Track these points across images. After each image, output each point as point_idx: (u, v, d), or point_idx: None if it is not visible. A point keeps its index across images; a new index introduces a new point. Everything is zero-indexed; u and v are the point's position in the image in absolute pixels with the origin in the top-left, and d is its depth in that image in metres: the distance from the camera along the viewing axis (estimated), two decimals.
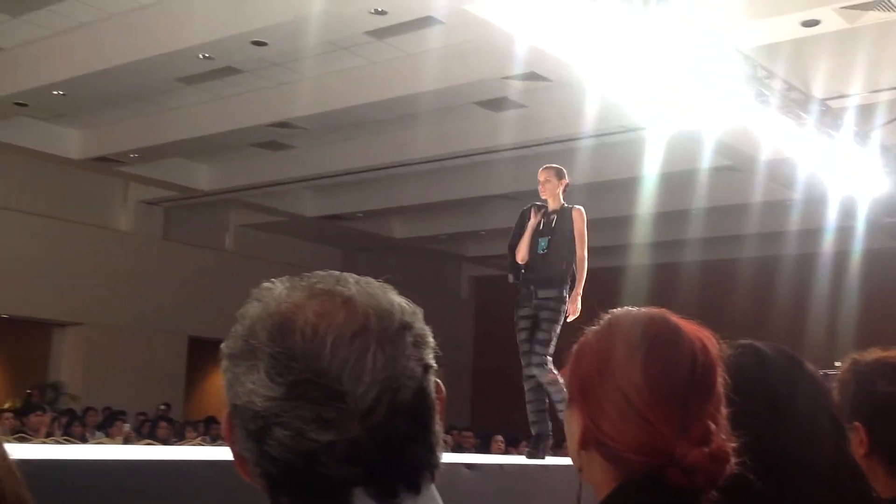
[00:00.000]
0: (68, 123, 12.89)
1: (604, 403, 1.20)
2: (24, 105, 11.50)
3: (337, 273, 0.96)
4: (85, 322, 14.84)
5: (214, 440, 11.69)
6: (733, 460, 1.18)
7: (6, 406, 12.47)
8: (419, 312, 0.95)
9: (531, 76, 10.14)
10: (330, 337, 0.88)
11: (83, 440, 10.51)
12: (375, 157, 13.04)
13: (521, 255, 5.99)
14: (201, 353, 16.61)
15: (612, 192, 13.69)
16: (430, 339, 0.95)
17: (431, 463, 0.91)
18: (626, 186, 13.24)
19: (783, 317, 14.56)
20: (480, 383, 20.35)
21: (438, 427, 0.93)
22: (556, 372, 5.69)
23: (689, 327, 1.26)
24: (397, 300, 0.94)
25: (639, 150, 11.55)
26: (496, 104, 11.37)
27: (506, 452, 11.56)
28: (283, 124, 11.60)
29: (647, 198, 13.23)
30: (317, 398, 0.86)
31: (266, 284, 0.97)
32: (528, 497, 3.75)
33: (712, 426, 1.18)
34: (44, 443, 8.72)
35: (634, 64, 8.57)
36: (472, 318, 21.30)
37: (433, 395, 0.93)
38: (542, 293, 5.83)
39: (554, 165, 6.23)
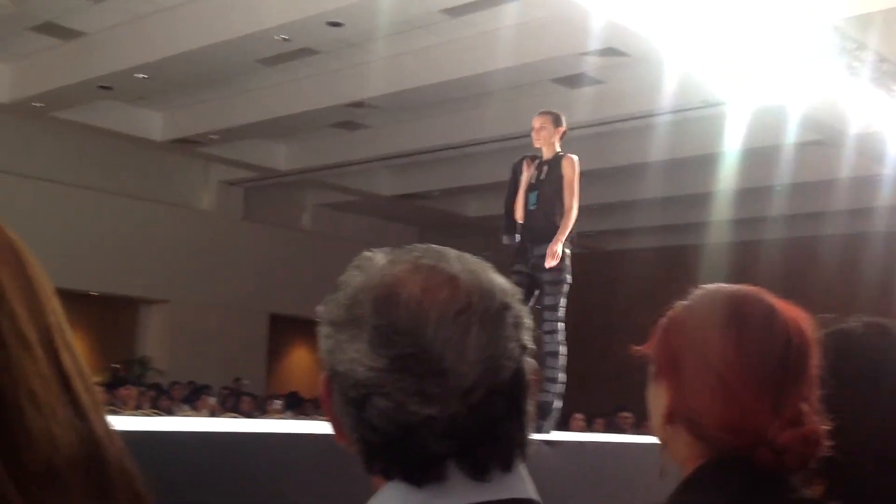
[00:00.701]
0: (151, 106, 13.16)
1: (694, 380, 1.19)
2: (109, 88, 11.74)
3: (438, 248, 0.97)
4: (170, 299, 15.21)
5: (297, 416, 11.89)
6: (825, 443, 1.16)
7: (96, 380, 12.85)
8: (518, 293, 0.96)
9: (608, 52, 10.00)
10: (434, 313, 0.88)
11: (170, 413, 10.80)
12: (451, 136, 13.04)
13: (519, 213, 5.65)
14: (281, 330, 16.93)
15: (690, 169, 13.50)
16: (528, 321, 0.95)
17: (523, 442, 0.93)
18: (705, 163, 13.02)
19: (870, 296, 14.15)
20: (570, 363, 20.27)
21: (531, 407, 0.94)
22: (565, 343, 5.44)
23: (784, 307, 1.24)
24: (497, 280, 0.95)
25: (719, 126, 11.34)
26: (572, 81, 11.27)
27: (586, 430, 11.52)
28: (358, 104, 11.66)
29: (727, 174, 12.99)
30: (419, 373, 0.87)
31: (367, 254, 0.98)
32: (608, 474, 3.74)
33: (805, 407, 1.16)
34: (133, 415, 8.97)
35: (716, 37, 8.41)
36: None
37: (528, 375, 0.94)
38: (537, 250, 5.44)
39: (551, 111, 5.75)
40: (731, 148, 11.84)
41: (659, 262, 18.48)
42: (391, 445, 0.89)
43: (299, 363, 17.83)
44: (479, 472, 0.89)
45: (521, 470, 0.93)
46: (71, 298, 14.57)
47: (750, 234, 16.68)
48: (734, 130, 11.15)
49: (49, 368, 0.65)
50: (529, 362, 0.94)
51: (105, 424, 0.67)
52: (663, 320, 1.29)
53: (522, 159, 5.78)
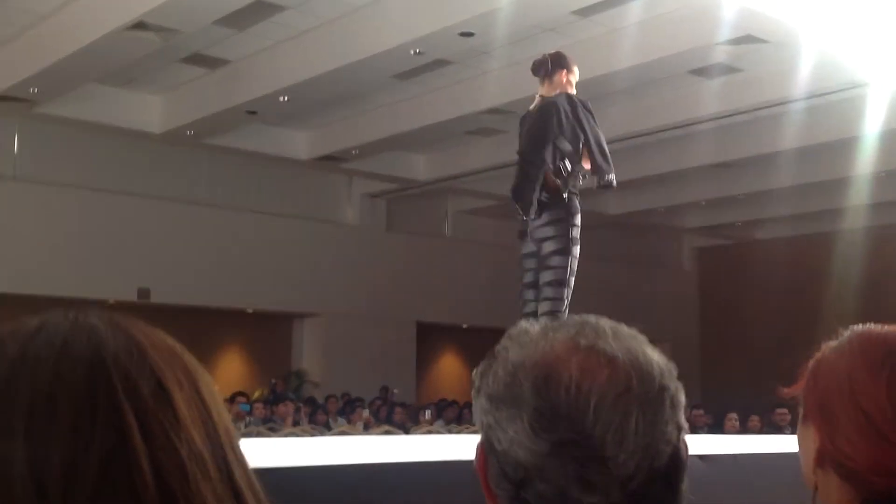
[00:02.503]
0: (295, 126, 13.63)
1: (843, 422, 1.17)
2: (254, 112, 12.24)
3: (594, 322, 0.96)
4: (322, 312, 15.63)
5: (447, 423, 12.06)
6: None
7: (255, 395, 13.36)
8: (674, 370, 0.95)
9: (745, 39, 9.82)
10: (594, 397, 0.88)
11: (327, 426, 11.12)
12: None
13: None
14: (428, 337, 17.16)
15: (826, 155, 13.11)
16: (683, 398, 0.94)
17: None
18: (842, 147, 12.62)
19: None
20: (709, 357, 19.90)
21: (685, 485, 0.93)
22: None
23: None
24: (655, 358, 0.94)
25: (858, 109, 10.99)
26: (707, 71, 11.10)
27: (741, 430, 11.24)
28: (494, 110, 11.78)
29: (865, 158, 12.55)
30: (581, 459, 0.87)
31: (523, 326, 0.98)
32: (763, 488, 3.64)
33: None
34: (292, 432, 9.29)
35: (855, 15, 8.16)
36: (697, 290, 20.84)
37: (685, 456, 0.93)
38: (533, 223, 4.87)
39: (551, 52, 5.11)
40: (871, 130, 11.44)
41: (799, 249, 17.96)
42: None
43: (447, 369, 18.04)
44: None
45: None
46: (228, 317, 15.21)
47: (889, 218, 16.08)
48: (874, 112, 10.77)
49: (223, 485, 0.67)
50: (685, 441, 0.94)
51: (244, 468, 0.70)
52: (811, 362, 1.27)
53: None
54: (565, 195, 4.81)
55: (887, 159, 12.79)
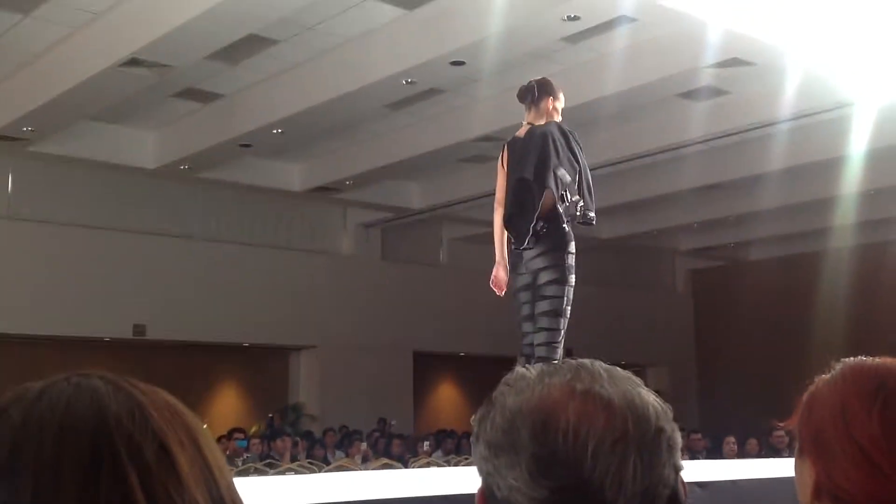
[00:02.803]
0: (288, 158, 13.69)
1: (838, 455, 1.18)
2: (248, 146, 12.30)
3: (589, 365, 0.97)
4: (318, 344, 15.59)
5: (446, 454, 12.01)
6: None
7: (253, 430, 13.30)
8: (669, 412, 0.95)
9: (731, 62, 9.93)
10: (592, 442, 0.88)
11: (325, 461, 11.06)
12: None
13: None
14: (426, 367, 17.11)
15: (814, 174, 13.23)
16: (679, 439, 0.95)
17: None
18: (830, 167, 12.73)
19: None
20: (705, 379, 19.90)
21: None
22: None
23: None
24: (651, 400, 0.94)
25: (844, 128, 11.09)
26: (696, 94, 11.20)
27: (739, 455, 11.22)
28: (486, 137, 11.85)
29: (852, 177, 12.65)
30: None
31: (519, 372, 0.99)
32: None
33: None
34: (290, 469, 9.24)
35: (840, 35, 8.23)
36: (692, 312, 20.86)
37: (682, 497, 0.93)
38: (526, 253, 4.83)
39: (536, 79, 5.05)
40: (857, 149, 11.54)
41: (786, 270, 18.04)
42: None
43: (445, 398, 17.97)
44: None
45: None
46: (224, 351, 15.17)
47: (875, 237, 16.20)
48: (860, 131, 10.86)
49: None
50: (683, 482, 0.94)
51: None
52: (805, 395, 1.28)
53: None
54: (564, 225, 4.77)
55: (874, 177, 12.90)
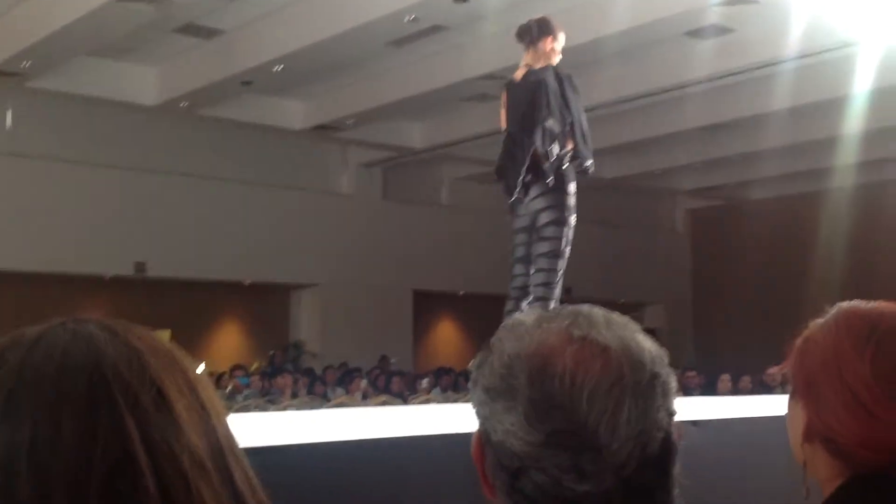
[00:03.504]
0: (289, 96, 13.58)
1: (830, 399, 1.19)
2: (249, 83, 12.20)
3: (586, 311, 0.98)
4: (319, 283, 15.66)
5: (444, 391, 12.11)
6: None
7: (254, 367, 13.40)
8: (665, 357, 0.97)
9: (737, 0, 9.81)
10: (588, 387, 0.90)
11: (325, 397, 11.16)
12: (583, 99, 12.97)
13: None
14: (425, 306, 17.20)
15: (817, 114, 13.18)
16: (674, 384, 0.96)
17: (669, 503, 0.95)
18: (833, 106, 12.66)
19: None
20: (701, 318, 20.02)
21: (677, 469, 0.95)
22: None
23: None
24: (647, 346, 0.96)
25: (848, 68, 11.00)
26: (702, 33, 11.08)
27: (732, 392, 11.32)
28: (489, 76, 11.73)
29: (856, 116, 12.59)
30: (575, 448, 0.89)
31: (518, 317, 1.00)
32: (758, 452, 3.66)
33: None
34: (290, 405, 9.32)
35: None
36: (689, 252, 20.91)
37: (675, 441, 0.95)
38: (529, 193, 4.81)
39: (536, 18, 4.95)
40: (861, 89, 11.47)
41: (791, 208, 18.03)
42: None
43: (444, 337, 18.10)
44: None
45: None
46: (225, 289, 15.23)
47: (876, 177, 16.19)
48: (864, 71, 10.78)
49: (223, 487, 0.68)
50: (676, 425, 0.96)
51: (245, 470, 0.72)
52: (798, 340, 1.29)
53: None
54: (550, 177, 4.74)
55: (877, 117, 12.84)
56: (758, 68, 11.52)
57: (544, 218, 4.76)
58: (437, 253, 16.53)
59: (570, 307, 0.99)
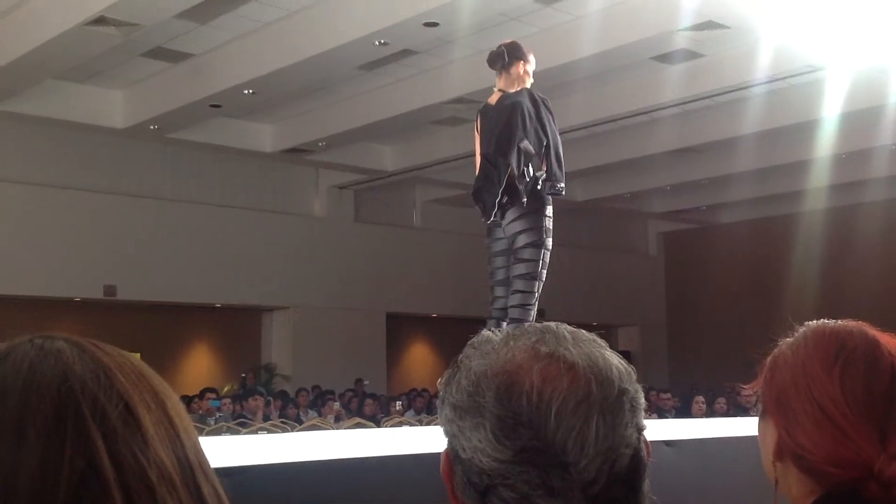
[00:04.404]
0: (259, 119, 13.56)
1: (800, 416, 1.20)
2: (219, 106, 12.16)
3: (554, 328, 0.98)
4: (290, 305, 15.59)
5: (418, 413, 12.08)
6: None
7: (225, 390, 13.30)
8: (633, 373, 0.97)
9: (706, 25, 9.91)
10: (555, 404, 0.90)
11: (298, 420, 11.08)
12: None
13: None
14: (398, 328, 17.18)
15: (787, 138, 13.32)
16: (643, 401, 0.96)
17: None
18: (803, 130, 12.81)
19: None
20: (676, 340, 20.11)
21: (646, 486, 0.95)
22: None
23: (888, 340, 1.25)
24: (614, 362, 0.95)
25: (817, 92, 11.15)
26: (670, 57, 11.19)
27: (707, 414, 11.36)
28: (459, 100, 11.79)
29: (825, 140, 12.76)
30: (543, 465, 0.89)
31: (485, 335, 1.00)
32: (731, 472, 3.67)
33: None
34: (262, 428, 9.23)
35: (814, 0, 8.23)
36: (663, 274, 21.03)
37: (645, 457, 0.95)
38: (505, 216, 4.80)
39: (506, 43, 4.97)
40: (830, 113, 11.63)
41: (764, 231, 18.20)
42: None
43: (417, 359, 18.07)
44: None
45: None
46: (196, 312, 15.14)
47: (848, 199, 16.40)
48: (833, 95, 10.93)
49: (191, 502, 0.68)
50: (646, 442, 0.96)
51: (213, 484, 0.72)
52: (768, 359, 1.30)
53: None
54: (524, 199, 4.74)
55: (846, 142, 13.00)
56: (727, 92, 11.65)
57: (522, 240, 4.76)
58: (409, 275, 16.52)
59: (538, 324, 0.99)
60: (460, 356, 0.99)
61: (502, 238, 4.87)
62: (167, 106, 12.05)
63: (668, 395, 12.56)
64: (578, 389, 0.91)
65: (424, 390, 13.90)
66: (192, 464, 0.70)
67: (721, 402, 11.77)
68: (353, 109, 12.67)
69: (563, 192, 4.91)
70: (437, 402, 1.00)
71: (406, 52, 10.91)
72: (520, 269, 4.75)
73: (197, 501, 0.69)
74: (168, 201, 14.32)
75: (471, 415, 0.93)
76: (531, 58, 4.95)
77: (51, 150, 13.34)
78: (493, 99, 4.94)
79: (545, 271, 4.78)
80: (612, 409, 0.92)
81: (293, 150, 14.21)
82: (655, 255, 21.35)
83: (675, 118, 12.87)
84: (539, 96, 4.90)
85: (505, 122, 4.75)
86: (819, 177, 14.58)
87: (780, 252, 17.19)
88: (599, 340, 0.98)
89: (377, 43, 10.02)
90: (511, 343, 0.96)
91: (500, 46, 4.94)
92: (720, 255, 18.75)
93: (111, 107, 12.53)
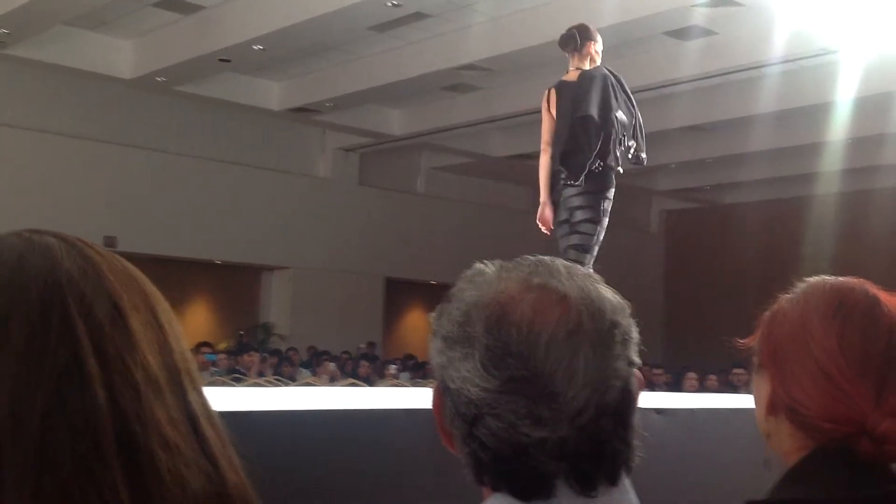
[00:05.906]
0: (268, 76, 13.49)
1: (796, 371, 1.21)
2: (227, 61, 12.09)
3: (548, 261, 0.97)
4: (290, 265, 15.60)
5: (412, 378, 12.11)
6: None
7: (221, 346, 13.32)
8: (627, 307, 0.96)
9: (721, 2, 9.84)
10: (545, 335, 0.89)
11: (292, 379, 11.10)
12: None
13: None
14: (397, 293, 17.19)
15: (800, 120, 13.23)
16: (636, 335, 0.96)
17: (628, 456, 0.94)
18: (816, 113, 12.73)
19: None
20: (672, 318, 20.12)
21: (636, 420, 0.95)
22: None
23: (888, 298, 1.25)
24: (607, 295, 0.95)
25: (831, 75, 11.06)
26: (684, 33, 11.10)
27: (699, 389, 11.39)
28: (470, 66, 11.72)
29: (838, 124, 12.68)
30: (531, 395, 0.88)
31: (479, 267, 0.99)
32: (720, 442, 3.68)
33: None
34: (257, 384, 9.25)
35: None
36: (663, 252, 21.01)
37: (635, 391, 0.94)
38: (566, 191, 4.93)
39: (575, 25, 5.14)
40: (844, 97, 11.55)
41: (769, 214, 18.13)
42: (501, 462, 0.91)
43: (414, 325, 18.09)
44: (585, 488, 0.90)
45: (626, 483, 0.94)
46: (196, 267, 15.13)
47: (861, 184, 16.29)
48: (847, 79, 10.86)
49: (178, 412, 0.67)
50: (636, 375, 0.95)
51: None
52: (767, 313, 1.30)
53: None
54: (611, 169, 4.88)
55: (860, 126, 12.91)
56: (739, 71, 11.57)
57: (580, 215, 4.90)
58: (411, 241, 16.51)
59: (532, 257, 0.98)
60: (453, 289, 0.98)
61: (562, 210, 4.98)
62: (176, 58, 11.98)
63: (661, 370, 12.58)
64: (569, 320, 0.90)
65: (420, 361, 13.91)
66: (179, 369, 0.69)
67: (712, 380, 11.79)
68: (362, 71, 12.59)
69: (645, 163, 5.18)
70: (429, 336, 0.99)
71: (419, 15, 10.83)
72: (574, 239, 4.93)
73: (182, 406, 0.68)
74: (172, 155, 14.27)
75: (460, 345, 0.92)
76: (599, 38, 5.16)
77: (56, 96, 13.28)
78: (572, 76, 5.06)
79: (597, 247, 4.99)
80: (602, 341, 0.91)
81: (300, 110, 14.15)
82: (656, 232, 21.32)
83: (687, 95, 12.79)
84: (616, 74, 5.09)
85: (599, 90, 4.87)
86: (830, 160, 14.51)
87: (785, 235, 17.14)
88: (595, 275, 0.98)
89: (390, 4, 9.95)
90: (504, 275, 0.96)
91: (570, 29, 5.12)
92: (724, 235, 18.71)
93: (119, 56, 12.46)
